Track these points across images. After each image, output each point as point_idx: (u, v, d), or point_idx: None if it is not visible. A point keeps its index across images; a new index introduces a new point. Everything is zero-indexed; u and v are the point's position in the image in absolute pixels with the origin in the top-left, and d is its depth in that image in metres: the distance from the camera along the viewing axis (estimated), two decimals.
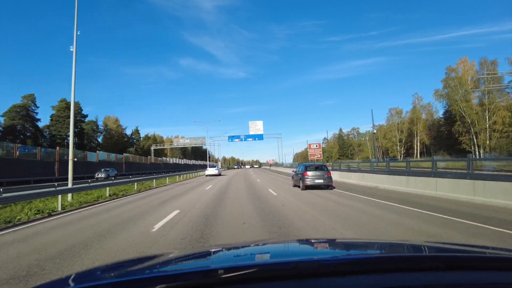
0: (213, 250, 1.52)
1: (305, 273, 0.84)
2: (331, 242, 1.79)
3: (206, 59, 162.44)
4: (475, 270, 0.89)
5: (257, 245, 1.69)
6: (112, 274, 1.12)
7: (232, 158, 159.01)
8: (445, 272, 0.86)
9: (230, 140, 53.28)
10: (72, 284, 0.95)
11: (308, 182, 11.72)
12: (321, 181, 11.81)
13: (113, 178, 22.80)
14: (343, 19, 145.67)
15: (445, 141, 50.83)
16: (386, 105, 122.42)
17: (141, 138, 76.87)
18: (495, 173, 12.74)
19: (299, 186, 13.05)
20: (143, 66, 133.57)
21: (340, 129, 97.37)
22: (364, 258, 1.11)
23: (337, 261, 1.04)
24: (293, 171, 14.99)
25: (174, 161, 63.60)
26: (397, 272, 0.86)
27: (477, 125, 42.10)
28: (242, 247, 1.58)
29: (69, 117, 13.67)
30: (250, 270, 0.85)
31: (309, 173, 11.96)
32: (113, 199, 11.04)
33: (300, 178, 12.46)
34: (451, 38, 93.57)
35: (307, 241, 2.02)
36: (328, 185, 11.97)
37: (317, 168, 12.42)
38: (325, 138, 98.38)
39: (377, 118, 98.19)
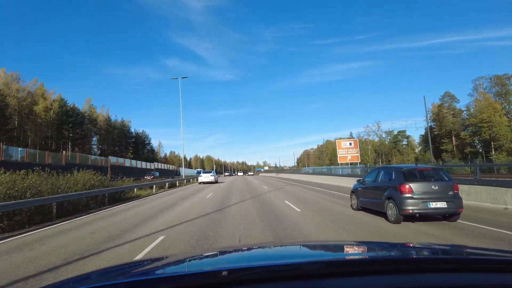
0: (219, 252, 1.99)
1: (309, 274, 1.05)
2: (336, 245, 2.28)
3: (193, 61, 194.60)
4: (480, 272, 1.10)
5: (261, 247, 2.14)
6: (119, 275, 1.40)
7: (208, 159, 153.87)
8: (452, 273, 1.09)
9: None
10: (80, 285, 1.18)
11: (412, 206, 7.64)
12: (442, 204, 7.25)
13: None
14: (331, 23, 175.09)
15: None
16: (376, 107, 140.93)
17: None
18: None
19: (373, 211, 9.22)
20: (128, 66, 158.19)
21: None
22: (369, 259, 1.45)
23: (341, 261, 1.34)
24: (358, 181, 10.17)
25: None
26: (404, 274, 1.08)
27: None
28: (246, 249, 2.10)
29: None
30: (254, 271, 1.10)
31: (414, 186, 7.33)
32: None
33: (387, 198, 8.29)
34: (437, 44, 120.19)
35: (311, 244, 2.48)
36: (453, 213, 7.21)
37: (429, 176, 7.66)
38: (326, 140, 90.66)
39: (367, 120, 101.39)
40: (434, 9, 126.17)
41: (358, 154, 38.80)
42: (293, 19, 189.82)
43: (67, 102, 64.47)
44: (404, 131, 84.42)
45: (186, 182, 35.86)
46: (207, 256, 1.84)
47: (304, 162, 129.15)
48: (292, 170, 68.71)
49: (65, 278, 1.39)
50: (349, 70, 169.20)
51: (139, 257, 5.49)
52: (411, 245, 1.98)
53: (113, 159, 43.19)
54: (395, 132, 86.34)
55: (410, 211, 7.46)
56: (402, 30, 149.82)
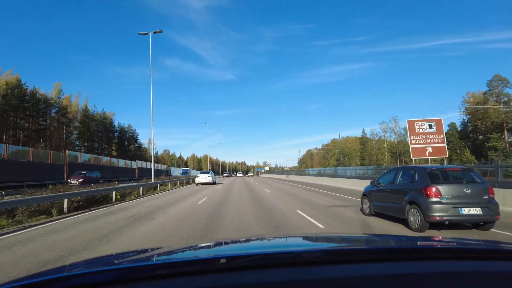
0: (217, 242, 2.06)
1: (307, 261, 1.09)
2: (336, 237, 2.39)
3: (192, 60, 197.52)
4: (469, 260, 1.18)
5: (260, 238, 2.18)
6: (115, 262, 1.45)
7: (206, 158, 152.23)
8: (444, 261, 1.15)
9: None
10: (81, 269, 1.29)
11: (441, 213, 6.65)
12: (476, 210, 6.39)
13: None
14: (331, 24, 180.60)
15: None
16: (372, 109, 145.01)
17: None
18: None
19: (389, 216, 8.31)
20: (126, 65, 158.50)
21: None
22: (364, 249, 1.48)
23: (339, 250, 1.39)
24: (372, 182, 9.34)
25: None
26: (397, 261, 1.15)
27: None
28: (245, 240, 2.07)
29: None
30: (252, 258, 1.12)
31: (443, 189, 6.41)
32: None
33: (409, 202, 7.39)
34: (435, 46, 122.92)
35: (311, 236, 2.68)
36: (489, 221, 6.33)
37: (458, 177, 7.20)
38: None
39: (365, 123, 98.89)
40: (434, 11, 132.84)
41: (445, 144, 22.38)
42: (293, 19, 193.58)
43: (26, 84, 52.35)
44: None
45: (147, 189, 22.35)
46: (206, 246, 1.82)
47: (308, 162, 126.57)
48: (298, 171, 62.14)
49: (59, 266, 1.41)
50: (349, 71, 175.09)
51: None
52: (409, 237, 2.15)
53: (73, 155, 35.66)
54: None
55: (438, 218, 6.51)
56: (402, 32, 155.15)
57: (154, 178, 27.95)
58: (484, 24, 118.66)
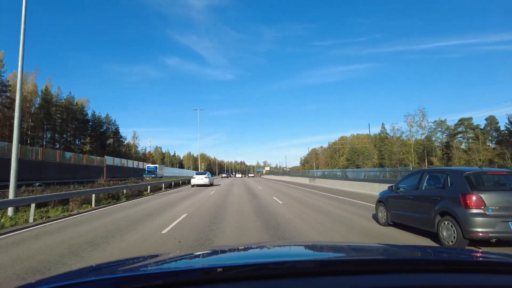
0: (215, 250, 2.02)
1: (302, 272, 1.07)
2: (333, 246, 2.20)
3: (192, 59, 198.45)
4: (472, 273, 1.12)
5: (259, 247, 2.10)
6: (111, 271, 1.38)
7: (203, 157, 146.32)
8: (445, 274, 1.10)
9: None
10: (77, 278, 1.19)
11: (486, 228, 5.41)
12: None
13: None
14: (332, 24, 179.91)
15: None
16: (372, 110, 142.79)
17: None
18: None
19: (411, 228, 7.17)
20: (125, 64, 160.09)
21: None
22: (361, 259, 1.41)
23: (335, 261, 1.35)
24: (390, 187, 8.14)
25: None
26: (397, 273, 1.09)
27: None
28: (243, 248, 2.06)
29: None
30: (249, 269, 1.11)
31: (487, 198, 5.71)
32: None
33: (441, 213, 6.15)
34: (435, 47, 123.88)
35: (308, 244, 2.44)
36: None
37: (502, 183, 6.07)
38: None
39: (363, 123, 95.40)
40: (435, 12, 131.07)
41: None
42: (294, 19, 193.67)
43: None
44: (469, 119, 62.57)
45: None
46: (203, 254, 1.80)
47: (312, 162, 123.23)
48: (304, 172, 53.91)
49: (54, 274, 1.46)
50: (349, 71, 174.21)
51: None
52: (409, 247, 2.19)
53: None
54: (449, 123, 65.96)
55: (481, 234, 5.24)
56: (402, 33, 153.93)
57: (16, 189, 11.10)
58: (486, 25, 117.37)
